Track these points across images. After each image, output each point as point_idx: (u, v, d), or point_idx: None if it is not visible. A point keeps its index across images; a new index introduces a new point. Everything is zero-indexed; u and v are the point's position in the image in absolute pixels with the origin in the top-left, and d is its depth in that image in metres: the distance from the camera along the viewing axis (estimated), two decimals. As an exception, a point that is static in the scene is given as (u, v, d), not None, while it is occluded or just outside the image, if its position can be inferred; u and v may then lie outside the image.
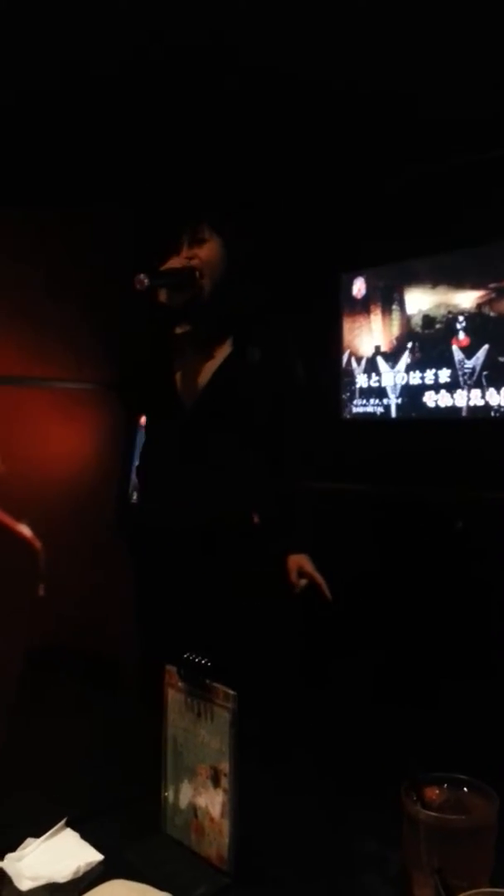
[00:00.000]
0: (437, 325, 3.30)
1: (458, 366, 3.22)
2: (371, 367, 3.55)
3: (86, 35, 2.23)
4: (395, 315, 3.46)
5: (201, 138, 2.91)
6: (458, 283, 3.21)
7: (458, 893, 0.57)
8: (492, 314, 3.11)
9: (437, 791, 0.71)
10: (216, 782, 0.87)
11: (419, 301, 3.36)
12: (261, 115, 2.76)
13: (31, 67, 2.40)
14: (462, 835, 0.66)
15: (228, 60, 2.40)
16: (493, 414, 3.07)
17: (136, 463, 1.95)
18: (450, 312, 3.26)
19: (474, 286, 3.16)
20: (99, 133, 2.87)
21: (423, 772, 0.72)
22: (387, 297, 3.50)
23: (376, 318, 3.53)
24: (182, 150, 3.00)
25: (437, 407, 3.29)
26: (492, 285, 3.10)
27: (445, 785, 0.71)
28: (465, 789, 0.71)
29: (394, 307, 3.46)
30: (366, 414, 3.57)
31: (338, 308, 3.63)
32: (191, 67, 2.45)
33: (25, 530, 2.63)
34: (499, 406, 3.06)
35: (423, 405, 3.34)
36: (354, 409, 3.63)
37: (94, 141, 2.91)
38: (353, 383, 3.63)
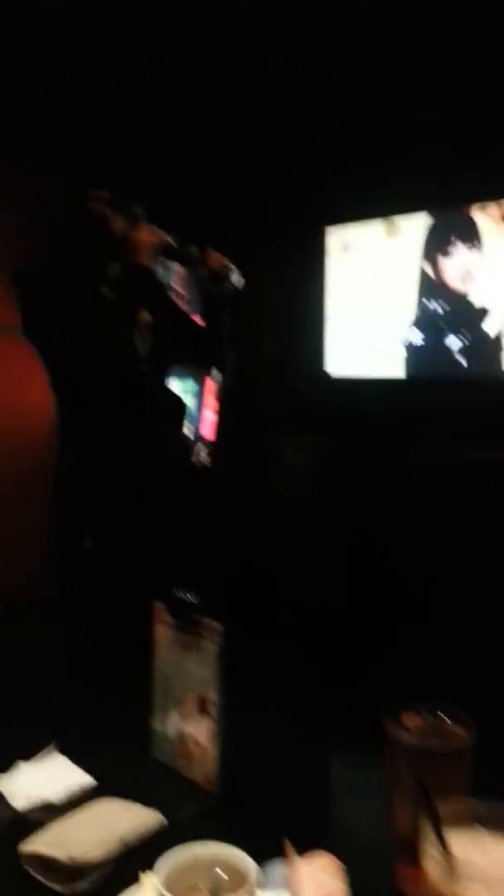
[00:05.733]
0: (420, 283, 3.31)
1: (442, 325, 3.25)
2: (356, 324, 3.56)
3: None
4: (380, 272, 3.45)
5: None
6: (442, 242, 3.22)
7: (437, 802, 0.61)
8: (473, 275, 3.13)
9: (417, 718, 0.75)
10: (203, 710, 0.91)
11: (403, 258, 3.35)
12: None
13: None
14: (440, 758, 0.71)
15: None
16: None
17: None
18: (432, 272, 3.26)
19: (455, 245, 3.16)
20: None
21: (404, 700, 0.76)
22: (371, 252, 3.48)
23: (361, 273, 3.52)
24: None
25: (423, 367, 3.33)
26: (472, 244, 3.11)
27: (425, 711, 0.75)
28: (444, 716, 0.75)
29: (379, 263, 3.45)
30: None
31: (322, 262, 3.61)
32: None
33: None
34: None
35: (409, 365, 3.37)
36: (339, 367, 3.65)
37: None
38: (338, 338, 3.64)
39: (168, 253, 1.94)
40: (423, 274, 3.26)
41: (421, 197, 3.21)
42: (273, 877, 0.69)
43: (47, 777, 0.91)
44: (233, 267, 2.02)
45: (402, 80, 2.83)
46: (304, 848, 0.71)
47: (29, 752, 0.95)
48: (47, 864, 0.75)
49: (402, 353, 3.36)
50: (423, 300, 3.29)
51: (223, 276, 2.01)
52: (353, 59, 2.70)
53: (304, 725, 1.03)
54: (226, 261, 2.01)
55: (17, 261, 1.83)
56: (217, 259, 2.00)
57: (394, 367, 3.39)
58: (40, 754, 0.95)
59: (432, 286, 3.22)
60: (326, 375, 3.63)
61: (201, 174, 3.46)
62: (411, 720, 0.75)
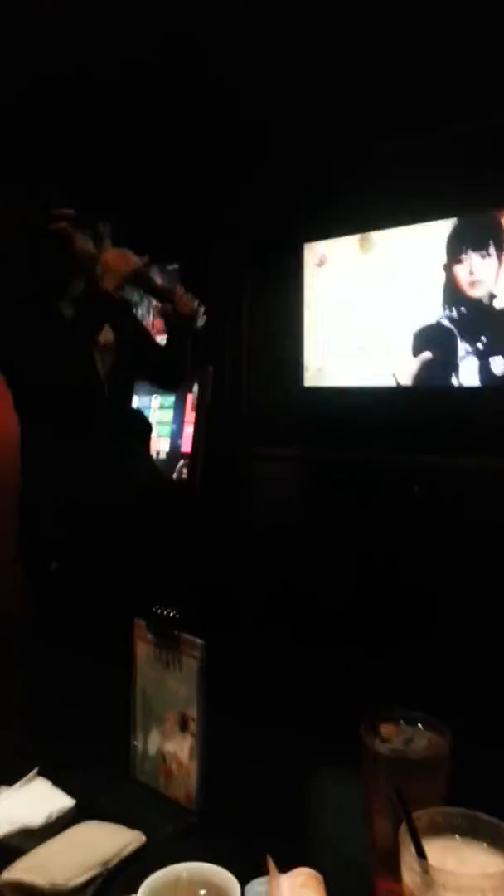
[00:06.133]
0: (400, 296, 3.34)
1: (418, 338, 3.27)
2: (333, 335, 3.58)
3: None
4: (356, 285, 3.48)
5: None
6: (419, 254, 3.25)
7: (415, 812, 0.61)
8: (452, 286, 3.16)
9: (393, 726, 0.75)
10: (184, 727, 0.91)
11: (378, 271, 3.39)
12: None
13: None
14: (417, 766, 0.71)
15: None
16: (453, 384, 3.14)
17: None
18: (409, 284, 3.29)
19: (436, 259, 3.20)
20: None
21: (381, 710, 0.76)
22: (347, 266, 3.52)
23: (337, 287, 3.55)
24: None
25: (395, 377, 3.35)
26: (452, 258, 3.15)
27: (401, 721, 0.76)
28: (420, 725, 0.75)
29: (352, 277, 3.48)
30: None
31: (300, 276, 3.64)
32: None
33: None
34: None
35: (383, 374, 3.39)
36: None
37: None
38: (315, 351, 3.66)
39: (137, 280, 1.90)
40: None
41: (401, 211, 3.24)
42: (255, 894, 0.69)
43: (28, 802, 0.90)
44: (202, 309, 1.98)
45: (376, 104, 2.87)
46: (285, 864, 0.71)
47: (11, 776, 0.94)
48: (29, 891, 0.74)
49: (384, 364, 3.38)
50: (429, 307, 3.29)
51: (192, 320, 1.98)
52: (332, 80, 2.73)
53: (283, 740, 1.03)
54: (195, 304, 1.97)
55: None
56: (187, 304, 1.95)
57: (373, 377, 3.42)
58: (23, 779, 0.94)
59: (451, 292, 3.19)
60: (305, 387, 3.65)
61: (178, 190, 3.49)
62: (387, 729, 0.75)
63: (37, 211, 1.82)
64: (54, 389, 1.76)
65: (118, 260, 1.82)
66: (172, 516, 1.99)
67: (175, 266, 3.79)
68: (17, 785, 0.93)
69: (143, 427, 2.04)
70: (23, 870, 0.76)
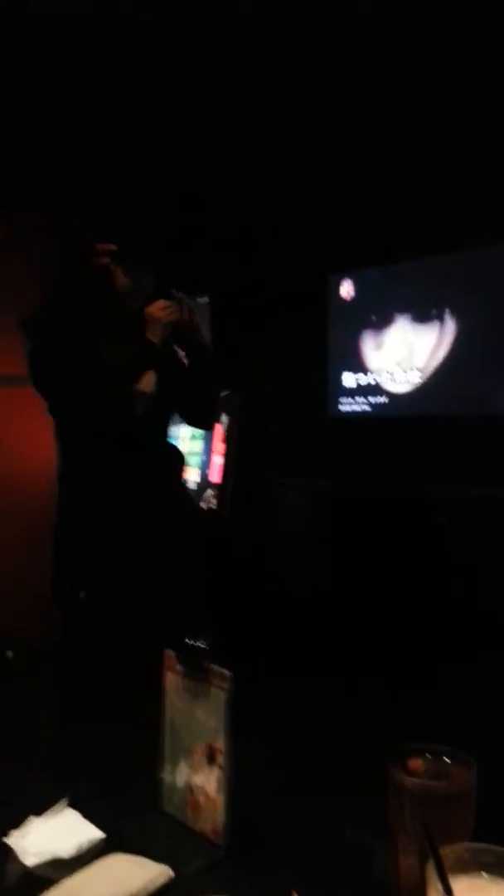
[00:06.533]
0: (422, 326, 3.35)
1: (440, 367, 3.27)
2: (358, 366, 3.60)
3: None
4: (380, 316, 3.50)
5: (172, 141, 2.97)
6: (445, 285, 3.26)
7: (443, 848, 0.61)
8: (478, 316, 3.16)
9: (420, 760, 0.75)
10: (211, 760, 0.91)
11: (404, 303, 3.41)
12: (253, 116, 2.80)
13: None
14: (443, 800, 0.71)
15: (216, 58, 2.44)
16: (476, 413, 3.13)
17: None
18: (435, 314, 3.30)
19: (462, 288, 3.21)
20: (43, 141, 2.93)
21: (407, 743, 0.76)
22: (373, 297, 3.54)
23: (363, 318, 3.57)
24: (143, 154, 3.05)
25: (421, 405, 3.34)
26: (478, 288, 3.15)
27: (427, 755, 0.76)
28: (446, 758, 0.75)
29: (378, 308, 3.51)
30: (352, 412, 3.62)
31: (325, 308, 3.68)
32: (176, 66, 2.49)
33: None
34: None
35: (408, 403, 3.39)
36: (341, 408, 3.68)
37: (47, 149, 2.98)
38: (340, 382, 3.68)
39: (180, 333, 1.87)
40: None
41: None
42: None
43: (57, 832, 0.91)
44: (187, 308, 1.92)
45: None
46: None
47: (40, 806, 0.95)
48: (57, 922, 0.75)
49: (409, 393, 3.39)
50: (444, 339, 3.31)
51: (194, 332, 1.94)
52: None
53: (310, 773, 1.03)
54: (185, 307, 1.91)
55: (23, 310, 1.87)
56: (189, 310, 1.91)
57: (398, 407, 3.42)
58: (52, 809, 0.95)
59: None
60: (331, 415, 3.66)
61: (206, 221, 3.55)
62: (414, 763, 0.75)
63: (83, 244, 1.83)
64: (89, 423, 1.78)
65: (162, 311, 1.81)
66: (201, 546, 1.99)
67: (206, 298, 3.84)
68: (46, 815, 0.94)
69: (176, 460, 2.03)
70: (52, 901, 0.77)
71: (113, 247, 1.81)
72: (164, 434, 2.04)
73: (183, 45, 2.33)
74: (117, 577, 1.80)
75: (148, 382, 1.83)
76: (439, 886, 0.61)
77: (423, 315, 3.32)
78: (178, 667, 0.98)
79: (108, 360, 1.81)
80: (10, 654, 2.67)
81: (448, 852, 0.63)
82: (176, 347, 1.93)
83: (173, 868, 0.83)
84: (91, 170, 3.15)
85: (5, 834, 0.90)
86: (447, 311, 3.24)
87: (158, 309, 1.81)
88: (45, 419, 1.89)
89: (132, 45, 2.31)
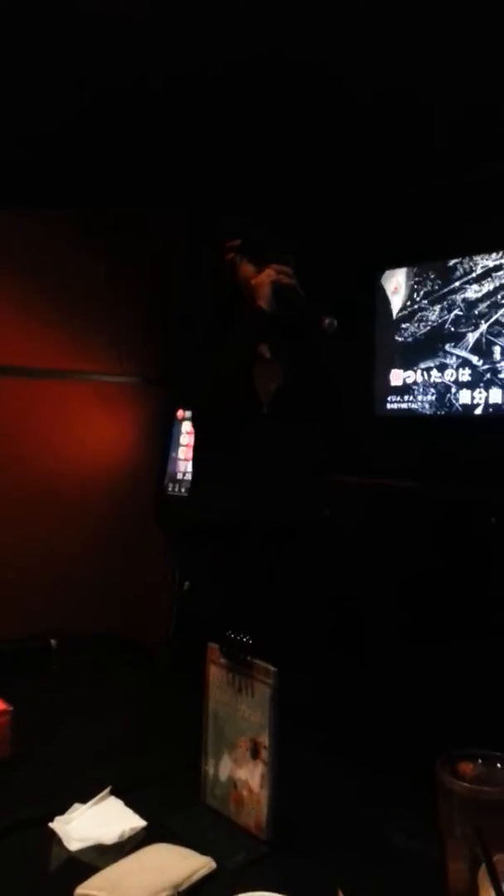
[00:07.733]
0: (473, 323, 3.29)
1: (493, 364, 3.21)
2: (405, 363, 3.55)
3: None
4: (429, 312, 3.44)
5: (247, 142, 2.95)
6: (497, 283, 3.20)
7: (495, 855, 0.59)
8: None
9: (471, 765, 0.73)
10: (255, 755, 0.91)
11: (453, 298, 3.35)
12: (304, 117, 2.78)
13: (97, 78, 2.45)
14: (494, 805, 0.69)
15: (274, 68, 2.42)
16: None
17: (174, 456, 2.01)
18: (486, 310, 3.24)
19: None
20: (152, 140, 2.94)
21: (458, 748, 0.74)
22: (421, 294, 3.49)
23: (410, 314, 3.52)
24: (230, 153, 3.04)
25: (472, 404, 3.28)
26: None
27: (479, 760, 0.73)
28: (498, 764, 0.73)
29: (428, 304, 3.45)
30: (399, 410, 3.57)
31: (373, 304, 3.63)
32: (239, 78, 2.48)
33: None
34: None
35: (457, 403, 3.33)
36: (388, 406, 3.63)
37: (145, 146, 2.99)
38: (387, 380, 3.63)
39: (279, 292, 1.79)
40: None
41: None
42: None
43: (101, 819, 0.92)
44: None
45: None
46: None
47: (85, 793, 0.96)
48: (100, 908, 0.75)
49: (458, 391, 3.33)
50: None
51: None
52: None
53: (358, 772, 1.01)
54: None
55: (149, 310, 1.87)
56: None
57: (449, 405, 3.36)
58: (97, 797, 0.96)
59: None
60: (378, 415, 3.62)
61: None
62: (465, 767, 0.73)
63: (219, 239, 1.83)
64: (214, 402, 1.77)
65: (260, 276, 1.78)
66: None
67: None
68: (90, 802, 0.95)
69: (309, 457, 1.92)
70: (96, 887, 0.77)
71: (238, 241, 1.80)
72: (297, 426, 1.89)
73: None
74: (219, 570, 1.76)
75: (263, 351, 1.79)
76: (492, 893, 0.59)
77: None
78: (222, 660, 0.97)
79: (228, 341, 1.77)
80: (53, 642, 2.73)
81: (501, 859, 0.61)
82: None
83: (216, 860, 0.82)
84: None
85: (50, 819, 0.92)
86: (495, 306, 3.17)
87: (255, 274, 1.78)
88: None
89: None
